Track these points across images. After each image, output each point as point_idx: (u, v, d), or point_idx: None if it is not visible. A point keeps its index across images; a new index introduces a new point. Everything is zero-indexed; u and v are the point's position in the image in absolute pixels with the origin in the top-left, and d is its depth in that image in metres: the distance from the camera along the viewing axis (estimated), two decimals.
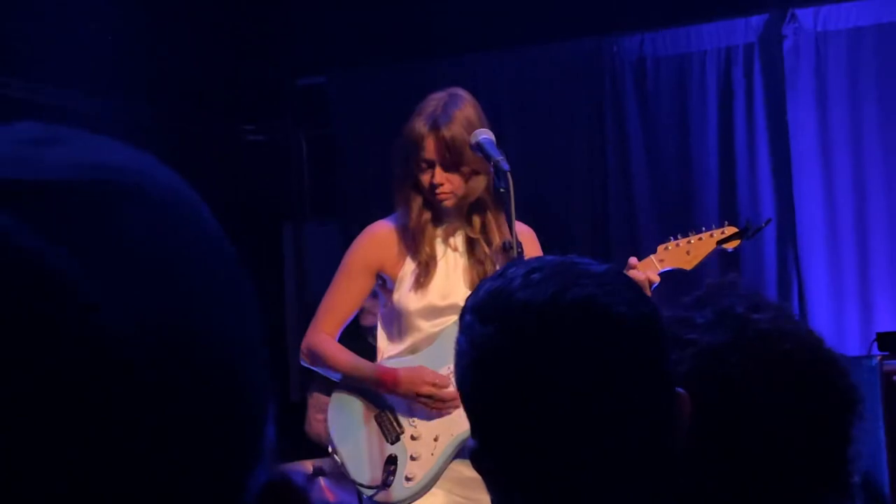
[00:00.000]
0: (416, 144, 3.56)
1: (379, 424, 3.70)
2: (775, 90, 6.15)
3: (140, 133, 6.32)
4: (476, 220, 3.66)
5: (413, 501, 3.62)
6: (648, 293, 3.54)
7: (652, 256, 3.79)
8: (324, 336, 3.70)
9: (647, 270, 3.69)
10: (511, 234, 3.30)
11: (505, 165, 3.35)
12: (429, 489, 3.61)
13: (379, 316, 3.80)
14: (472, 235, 3.66)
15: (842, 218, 6.02)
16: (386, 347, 3.75)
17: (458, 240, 3.68)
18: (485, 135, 3.48)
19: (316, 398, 5.68)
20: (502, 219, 3.62)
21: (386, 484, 3.61)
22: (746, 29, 6.25)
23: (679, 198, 6.28)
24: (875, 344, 5.31)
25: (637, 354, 1.41)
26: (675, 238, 3.87)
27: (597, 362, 1.39)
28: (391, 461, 3.62)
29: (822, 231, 6.03)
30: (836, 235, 6.02)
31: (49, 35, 5.69)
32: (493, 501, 1.50)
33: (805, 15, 6.10)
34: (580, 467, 1.39)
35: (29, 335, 0.56)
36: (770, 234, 6.09)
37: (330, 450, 3.78)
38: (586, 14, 6.24)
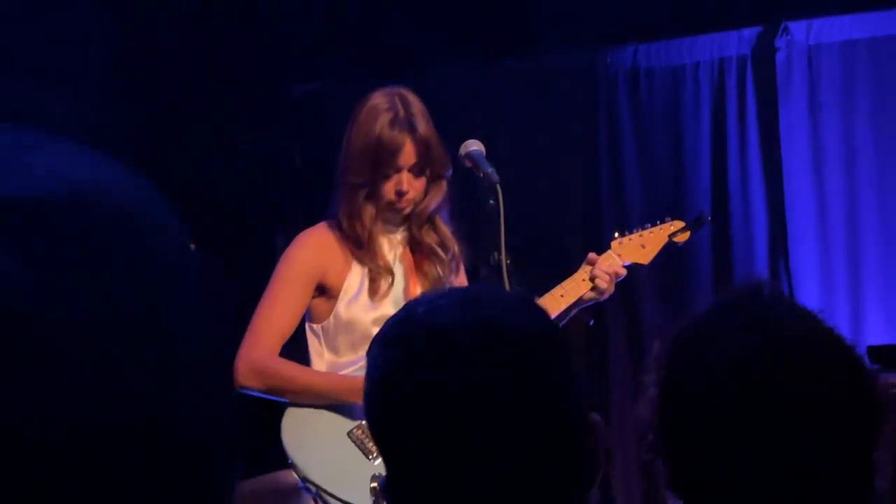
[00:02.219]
0: (393, 151, 3.37)
1: (354, 441, 3.43)
2: (768, 102, 6.16)
3: (134, 141, 6.33)
4: (429, 227, 3.52)
5: None
6: (611, 287, 3.59)
7: (609, 251, 3.72)
8: (266, 352, 3.40)
9: (610, 264, 3.64)
10: (501, 249, 3.21)
11: (495, 178, 3.28)
12: None
13: (311, 329, 3.52)
14: (424, 243, 3.51)
15: (833, 230, 6.04)
16: (332, 361, 3.46)
17: (407, 248, 3.54)
18: (474, 146, 3.40)
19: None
20: (443, 225, 3.52)
21: None
22: (739, 41, 6.26)
23: (671, 208, 6.27)
24: (866, 357, 5.31)
25: (537, 375, 1.42)
26: (628, 232, 3.82)
27: (497, 381, 1.40)
28: (377, 480, 3.45)
29: (813, 243, 6.04)
30: (827, 248, 6.04)
31: (43, 42, 5.69)
32: None
33: (798, 28, 6.12)
34: (486, 492, 1.40)
35: None
36: (761, 245, 6.10)
37: (300, 478, 3.46)
38: (580, 25, 6.24)
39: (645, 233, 3.81)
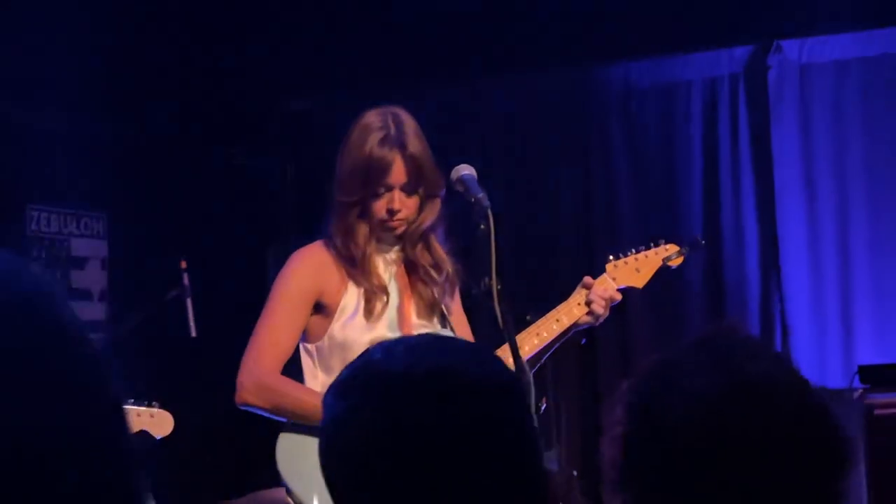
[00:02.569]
0: (382, 170, 3.33)
1: None
2: (760, 121, 6.17)
3: (127, 155, 6.32)
4: (422, 247, 3.46)
5: None
6: (606, 311, 3.54)
7: (605, 275, 3.65)
8: (271, 371, 3.35)
9: (605, 289, 3.58)
10: (491, 275, 3.05)
11: (486, 202, 3.16)
12: None
13: (305, 349, 3.46)
14: (418, 262, 3.45)
15: (825, 249, 6.04)
16: (325, 382, 3.35)
17: (401, 268, 3.47)
18: (466, 171, 3.28)
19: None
20: (438, 245, 3.47)
21: None
22: (731, 59, 6.27)
23: (664, 226, 6.29)
24: (857, 377, 5.32)
25: (493, 423, 1.43)
26: (622, 255, 3.75)
27: (453, 428, 1.40)
28: None
29: (805, 262, 6.05)
30: (819, 267, 6.04)
31: (35, 59, 5.69)
32: None
33: (790, 46, 6.13)
34: None
35: None
36: (753, 263, 6.11)
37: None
38: (572, 43, 6.25)
39: (640, 256, 3.75)
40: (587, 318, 3.55)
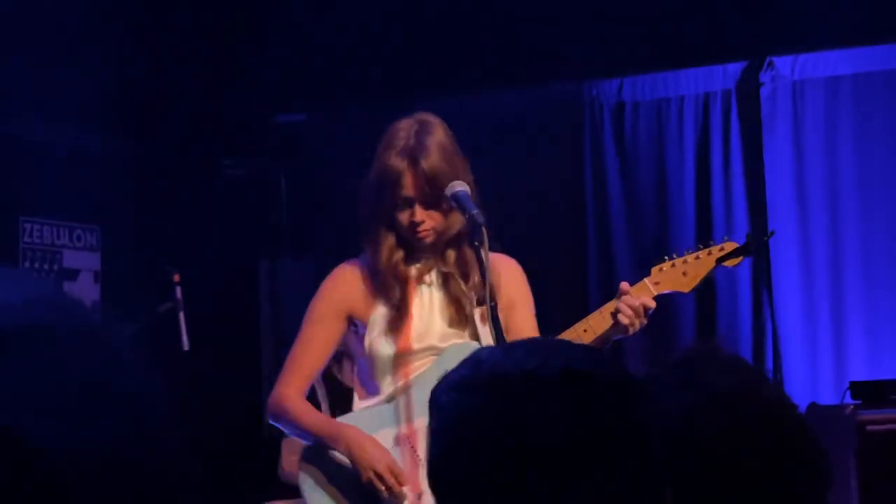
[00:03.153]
0: (394, 182, 3.27)
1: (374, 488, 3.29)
2: (752, 136, 6.18)
3: (119, 168, 6.32)
4: (450, 254, 3.37)
5: None
6: (644, 321, 3.29)
7: (646, 280, 3.41)
8: (288, 392, 3.37)
9: (640, 296, 3.32)
10: (484, 287, 3.03)
11: (480, 219, 3.11)
12: None
13: (355, 371, 3.48)
14: (446, 271, 3.37)
15: (817, 265, 6.05)
16: (364, 395, 3.41)
17: (433, 277, 3.39)
18: (460, 187, 3.19)
19: (291, 440, 5.65)
20: (469, 252, 3.34)
21: None
22: (724, 75, 6.29)
23: (656, 241, 6.30)
24: (848, 392, 5.32)
25: (626, 421, 1.41)
26: (676, 256, 3.50)
27: (585, 427, 1.39)
28: None
29: (797, 278, 6.05)
30: (811, 282, 6.05)
31: (28, 71, 5.69)
32: None
33: (783, 63, 6.15)
34: None
35: None
36: (745, 280, 6.11)
37: None
38: (565, 58, 6.26)
39: (689, 258, 3.49)
40: (615, 330, 3.32)
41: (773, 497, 1.52)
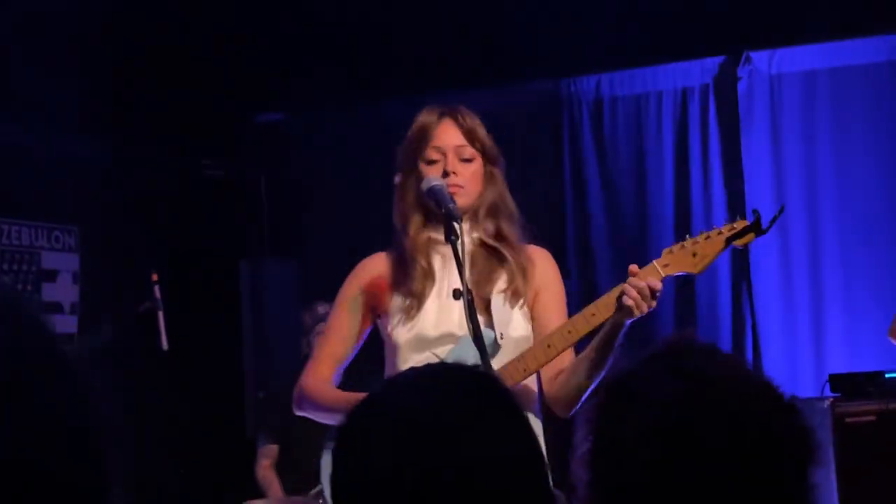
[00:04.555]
0: (425, 133, 3.26)
1: None
2: (730, 131, 6.20)
3: (98, 168, 6.30)
4: (490, 225, 3.35)
5: None
6: (651, 303, 3.18)
7: (655, 262, 3.30)
8: (306, 380, 3.36)
9: (647, 278, 3.21)
10: (462, 283, 2.99)
11: (456, 213, 3.09)
12: None
13: (385, 350, 3.42)
14: (488, 242, 3.33)
15: (796, 258, 6.07)
16: None
17: (464, 259, 3.21)
18: (436, 182, 3.22)
19: (266, 448, 5.65)
20: (507, 228, 3.36)
21: None
22: (702, 70, 6.31)
23: (635, 235, 6.32)
24: (827, 385, 5.34)
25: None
26: (690, 236, 3.39)
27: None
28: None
29: (776, 272, 6.07)
30: (789, 276, 6.07)
31: (4, 74, 5.67)
32: None
33: (760, 58, 6.17)
34: None
35: None
36: (724, 274, 6.13)
37: None
38: (543, 55, 6.27)
39: (700, 238, 3.37)
40: (621, 314, 3.21)
41: (765, 476, 1.53)
